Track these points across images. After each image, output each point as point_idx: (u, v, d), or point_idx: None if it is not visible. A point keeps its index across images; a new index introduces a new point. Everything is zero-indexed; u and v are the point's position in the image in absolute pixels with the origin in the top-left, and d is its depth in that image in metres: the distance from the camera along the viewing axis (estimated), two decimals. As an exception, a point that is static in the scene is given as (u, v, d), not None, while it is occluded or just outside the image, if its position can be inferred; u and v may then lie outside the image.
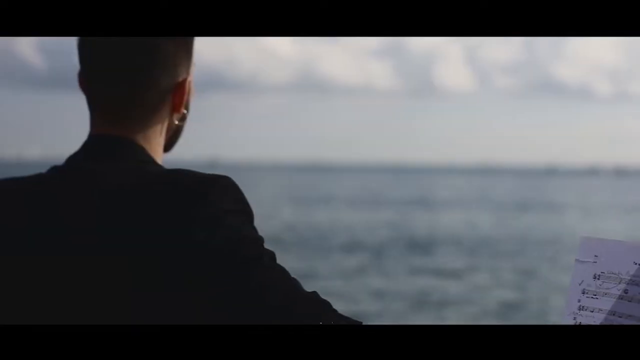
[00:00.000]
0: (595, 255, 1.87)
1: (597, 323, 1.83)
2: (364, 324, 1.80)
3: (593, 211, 42.22)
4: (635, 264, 1.83)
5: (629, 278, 1.83)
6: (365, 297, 16.11)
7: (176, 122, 1.98)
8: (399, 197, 56.55)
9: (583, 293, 1.86)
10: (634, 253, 1.84)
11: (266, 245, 1.84)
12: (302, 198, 53.49)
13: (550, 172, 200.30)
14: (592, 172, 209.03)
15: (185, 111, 1.98)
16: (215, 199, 1.79)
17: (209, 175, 1.83)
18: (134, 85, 1.90)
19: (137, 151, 1.91)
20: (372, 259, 22.13)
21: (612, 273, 1.85)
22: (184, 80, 1.95)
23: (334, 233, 29.04)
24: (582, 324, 1.84)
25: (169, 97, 1.94)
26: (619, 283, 1.84)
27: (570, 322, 1.85)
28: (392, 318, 14.03)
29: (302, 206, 44.13)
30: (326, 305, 1.79)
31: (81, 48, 1.92)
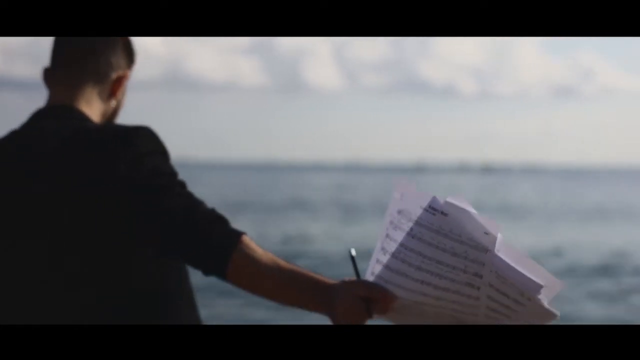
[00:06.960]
0: (402, 194, 2.29)
1: (392, 251, 2.25)
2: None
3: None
4: (420, 207, 2.23)
5: (415, 219, 2.23)
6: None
7: (112, 105, 2.67)
8: (265, 195, 54.63)
9: (391, 223, 2.29)
10: (420, 199, 2.24)
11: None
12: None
13: (420, 169, 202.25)
14: (461, 169, 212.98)
15: (120, 97, 2.69)
16: (138, 143, 2.44)
17: (133, 125, 2.48)
18: (81, 71, 2.62)
19: (79, 113, 2.58)
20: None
21: (408, 212, 2.26)
22: (124, 75, 2.68)
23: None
24: (385, 249, 2.28)
25: (109, 84, 2.65)
26: (409, 221, 2.25)
27: (380, 247, 2.29)
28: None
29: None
30: (222, 219, 2.39)
31: (54, 47, 2.64)
